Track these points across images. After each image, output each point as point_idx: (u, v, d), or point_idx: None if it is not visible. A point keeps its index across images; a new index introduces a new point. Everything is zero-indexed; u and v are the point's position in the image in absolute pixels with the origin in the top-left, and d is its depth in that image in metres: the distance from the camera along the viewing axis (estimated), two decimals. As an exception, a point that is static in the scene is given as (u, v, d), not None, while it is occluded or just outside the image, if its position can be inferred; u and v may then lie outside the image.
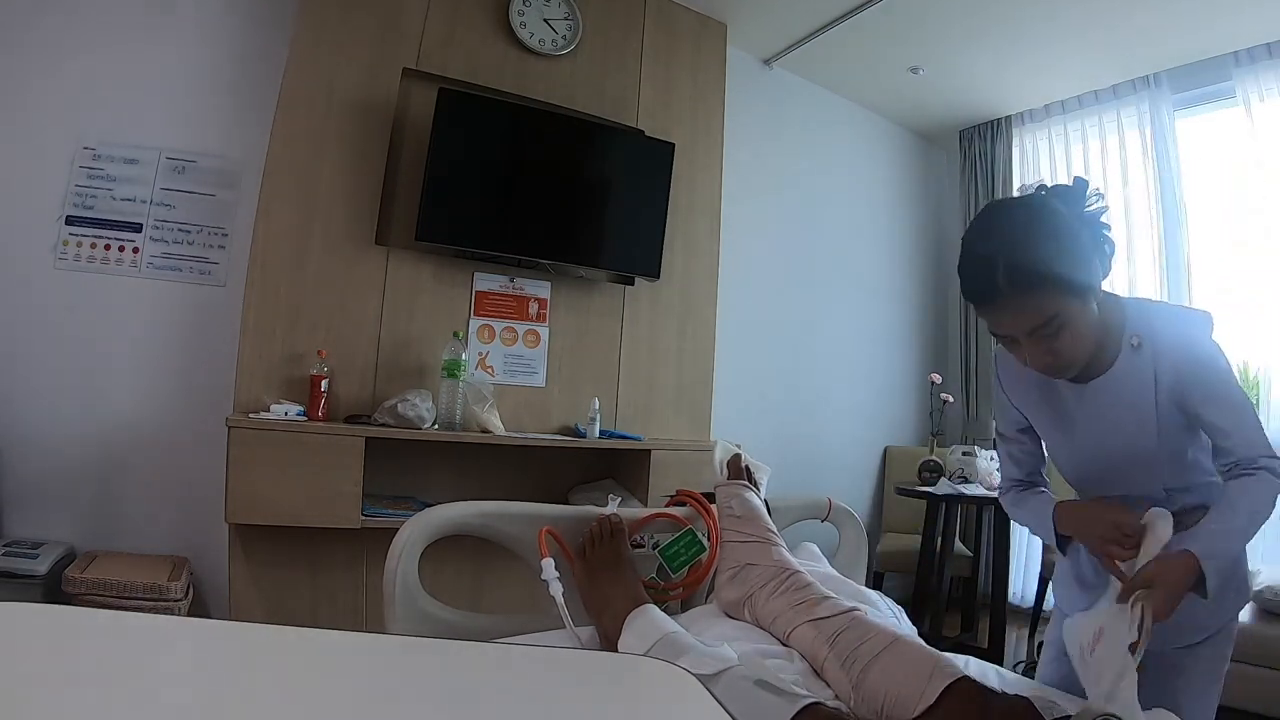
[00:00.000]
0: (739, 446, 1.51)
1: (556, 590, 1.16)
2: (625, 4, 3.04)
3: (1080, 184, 1.08)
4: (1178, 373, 1.05)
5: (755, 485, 1.43)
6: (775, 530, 1.32)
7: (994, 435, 1.38)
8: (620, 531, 1.29)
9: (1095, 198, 1.07)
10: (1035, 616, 3.35)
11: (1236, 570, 1.13)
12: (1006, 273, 0.99)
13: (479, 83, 2.73)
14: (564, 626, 1.15)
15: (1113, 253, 1.08)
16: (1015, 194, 1.13)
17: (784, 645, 1.09)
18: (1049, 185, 1.11)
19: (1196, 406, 1.06)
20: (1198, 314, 1.10)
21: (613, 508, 1.36)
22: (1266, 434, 1.06)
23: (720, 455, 1.48)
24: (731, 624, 1.17)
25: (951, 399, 3.63)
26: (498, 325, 2.76)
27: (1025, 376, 1.16)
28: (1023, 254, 0.99)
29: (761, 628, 1.12)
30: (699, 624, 1.18)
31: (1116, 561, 1.06)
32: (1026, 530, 1.48)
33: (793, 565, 1.21)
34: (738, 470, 1.44)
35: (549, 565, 1.18)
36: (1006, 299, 1.00)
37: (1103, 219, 1.07)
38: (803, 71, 3.73)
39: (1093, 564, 1.21)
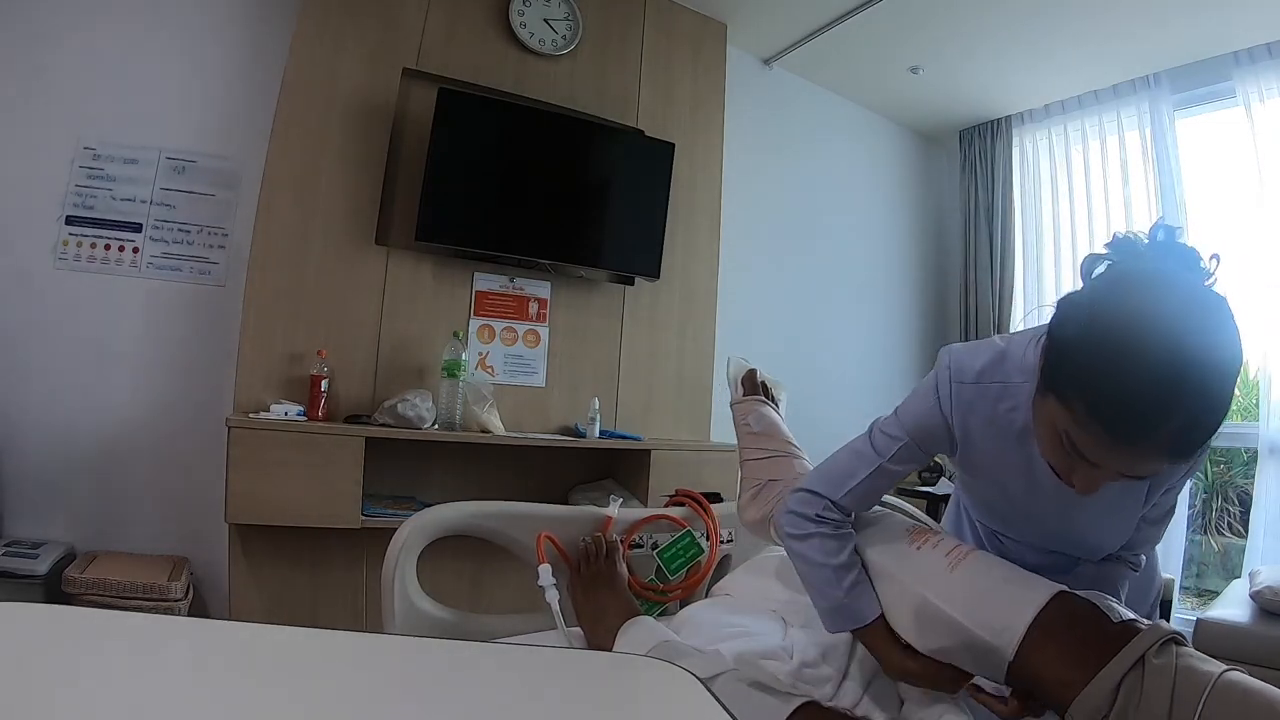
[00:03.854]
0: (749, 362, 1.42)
1: (552, 598, 1.16)
2: (625, 4, 3.04)
3: (1212, 258, 0.82)
4: (1166, 484, 0.94)
5: (774, 402, 1.38)
6: (796, 444, 1.28)
7: (878, 435, 1.05)
8: (615, 549, 1.28)
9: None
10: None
11: (1153, 576, 1.10)
12: (1177, 439, 0.73)
13: (479, 83, 2.73)
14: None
15: None
16: (1175, 242, 0.80)
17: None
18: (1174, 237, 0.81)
19: (1159, 502, 0.96)
20: None
21: (614, 508, 1.35)
22: None
23: (734, 371, 1.40)
24: (727, 619, 1.15)
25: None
26: (498, 325, 2.76)
27: (1005, 438, 0.93)
28: (1203, 429, 0.73)
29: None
30: (692, 624, 1.17)
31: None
32: None
33: None
34: (753, 385, 1.38)
35: (545, 572, 1.18)
36: (1148, 455, 0.75)
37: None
38: (803, 71, 3.72)
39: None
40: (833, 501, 1.01)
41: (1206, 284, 0.78)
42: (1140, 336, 0.74)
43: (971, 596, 0.88)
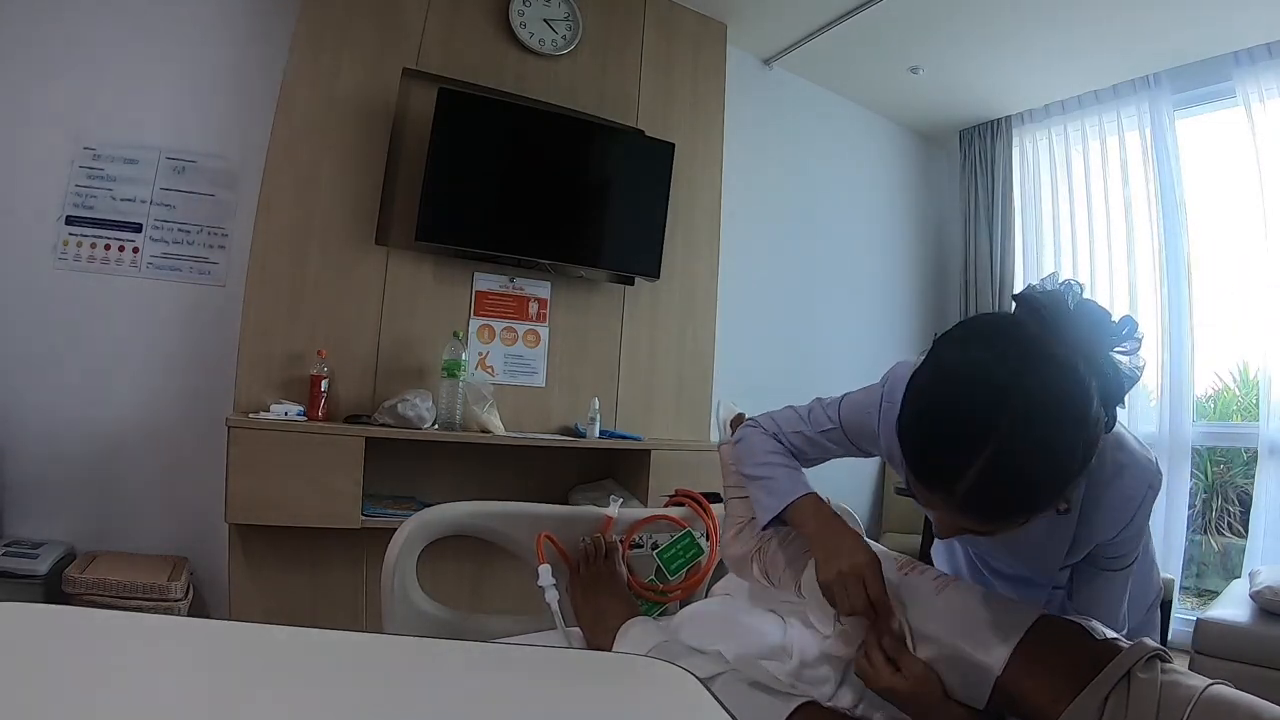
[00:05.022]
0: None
1: (552, 598, 1.17)
2: (625, 4, 3.04)
3: (1129, 325, 0.76)
4: (1093, 542, 0.91)
5: None
6: None
7: (818, 408, 1.11)
8: (614, 550, 1.29)
9: (1133, 344, 0.76)
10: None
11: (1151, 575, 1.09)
12: (971, 497, 0.72)
13: (479, 83, 2.73)
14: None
15: (1117, 408, 0.76)
16: (1039, 297, 0.76)
17: (781, 619, 1.08)
18: (1081, 295, 0.76)
19: (1096, 563, 0.95)
20: (1148, 477, 0.88)
21: (614, 508, 1.35)
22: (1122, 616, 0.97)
23: (724, 415, 1.45)
24: (727, 619, 1.15)
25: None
26: (498, 325, 2.76)
27: None
28: (1001, 489, 0.72)
29: (770, 581, 1.12)
30: (692, 624, 1.17)
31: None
32: None
33: None
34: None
35: (545, 572, 1.18)
36: (951, 507, 0.75)
37: (1137, 366, 0.77)
38: (803, 71, 3.72)
39: (971, 566, 1.16)
40: (774, 435, 1.12)
41: (1113, 350, 0.75)
42: (951, 393, 0.75)
43: (959, 615, 0.89)
